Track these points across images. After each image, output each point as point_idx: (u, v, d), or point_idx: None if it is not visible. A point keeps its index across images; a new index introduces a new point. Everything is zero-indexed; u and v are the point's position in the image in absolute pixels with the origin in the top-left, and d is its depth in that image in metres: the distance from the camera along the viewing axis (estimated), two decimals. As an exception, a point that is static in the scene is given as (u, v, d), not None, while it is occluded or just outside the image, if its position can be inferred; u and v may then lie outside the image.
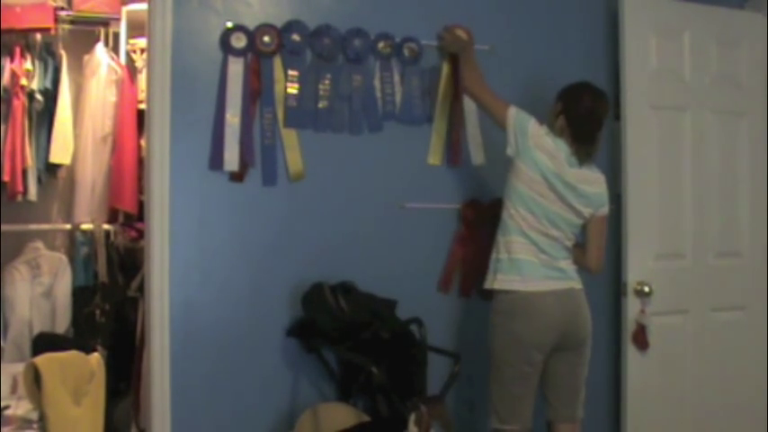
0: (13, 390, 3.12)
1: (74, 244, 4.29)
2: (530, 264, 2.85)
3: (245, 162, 3.01)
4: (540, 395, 2.97)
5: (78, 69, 4.35)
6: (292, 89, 3.07)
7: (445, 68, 3.27)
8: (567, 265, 2.93)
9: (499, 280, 2.88)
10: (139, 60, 4.28)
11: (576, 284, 2.93)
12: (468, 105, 3.28)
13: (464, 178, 3.34)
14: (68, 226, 4.30)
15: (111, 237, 4.21)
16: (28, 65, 4.09)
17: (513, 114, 2.91)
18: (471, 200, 3.30)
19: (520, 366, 2.82)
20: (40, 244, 4.21)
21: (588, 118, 2.92)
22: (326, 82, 3.12)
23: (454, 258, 3.28)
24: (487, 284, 2.92)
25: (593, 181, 2.95)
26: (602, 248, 3.01)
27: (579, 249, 3.00)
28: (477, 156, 3.34)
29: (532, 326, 2.81)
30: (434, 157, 3.28)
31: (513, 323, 2.82)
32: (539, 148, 2.86)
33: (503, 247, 2.90)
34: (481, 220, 3.27)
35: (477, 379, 3.16)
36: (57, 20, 4.17)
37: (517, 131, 2.88)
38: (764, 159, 3.72)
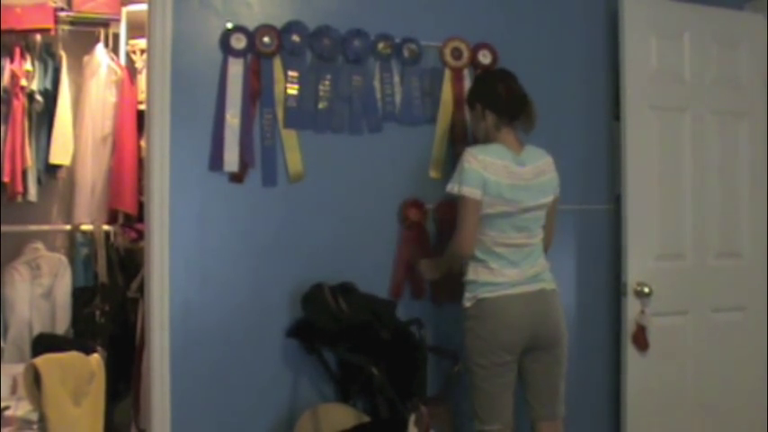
0: (13, 390, 3.12)
1: (74, 245, 4.29)
2: (489, 285, 2.83)
3: (244, 163, 3.01)
4: (521, 396, 2.97)
5: (78, 70, 4.35)
6: (292, 90, 3.07)
7: (447, 90, 3.28)
8: (540, 266, 2.92)
9: (468, 298, 2.87)
10: (139, 61, 4.28)
11: (548, 285, 2.91)
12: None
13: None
14: (68, 227, 4.30)
15: (111, 237, 4.20)
16: (28, 65, 4.08)
17: (461, 185, 2.82)
18: (413, 200, 3.24)
19: (491, 367, 2.81)
20: (39, 245, 4.21)
21: (510, 94, 2.91)
22: (326, 83, 3.12)
23: (401, 261, 3.23)
24: (465, 304, 2.88)
25: (545, 169, 2.94)
26: (554, 230, 3.05)
27: None
28: None
29: (499, 327, 2.81)
30: (435, 171, 3.28)
31: (482, 326, 2.82)
32: (487, 170, 2.80)
33: (471, 270, 2.88)
34: (425, 221, 3.25)
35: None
36: (57, 20, 4.17)
37: (471, 182, 2.80)
38: (765, 160, 3.71)
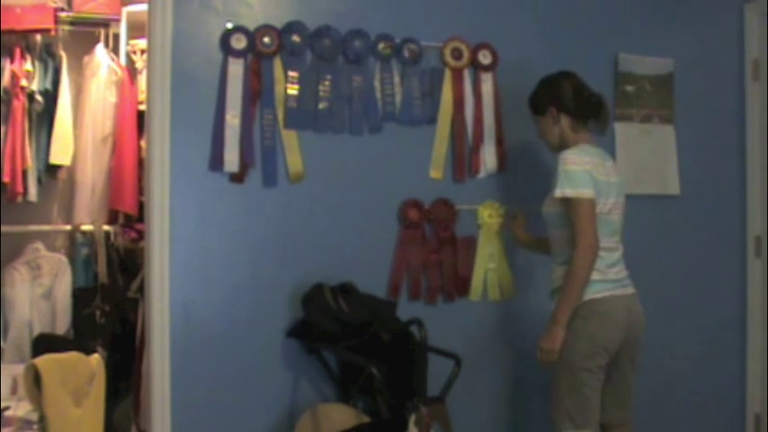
0: (13, 391, 3.12)
1: (74, 245, 4.29)
2: (596, 283, 2.79)
3: (245, 163, 3.01)
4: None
5: (78, 70, 4.35)
6: (292, 90, 3.07)
7: (447, 90, 3.28)
8: (625, 270, 2.92)
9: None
10: (140, 61, 4.27)
11: (635, 290, 2.91)
12: (469, 114, 3.31)
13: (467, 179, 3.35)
14: (68, 227, 4.30)
15: (112, 238, 4.20)
16: (28, 66, 4.08)
17: (576, 188, 2.76)
18: (413, 200, 3.24)
19: (596, 370, 2.76)
20: (40, 245, 4.21)
21: (585, 96, 2.92)
22: (326, 83, 3.12)
23: (400, 262, 3.23)
24: None
25: (617, 169, 2.96)
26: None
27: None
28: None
29: (607, 327, 2.78)
30: (436, 171, 3.28)
31: (590, 326, 2.77)
32: (592, 170, 2.79)
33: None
34: (423, 222, 3.25)
35: (478, 379, 3.18)
36: (57, 21, 4.16)
37: (584, 183, 2.76)
38: None
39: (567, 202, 2.78)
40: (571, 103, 2.90)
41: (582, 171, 2.77)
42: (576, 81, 2.95)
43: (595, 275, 2.78)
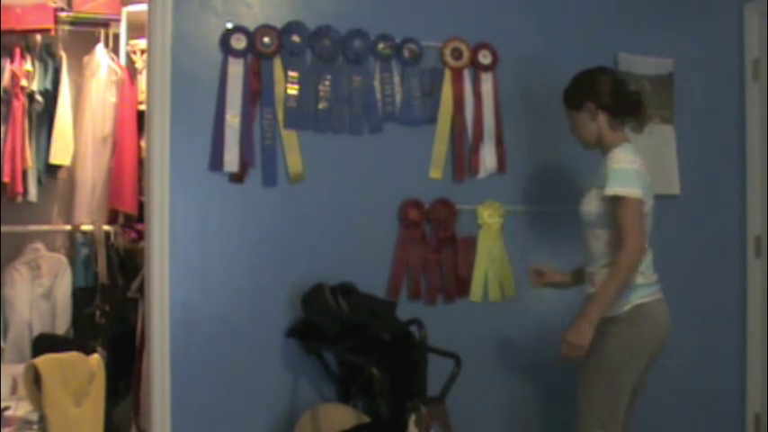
0: (14, 391, 3.12)
1: (74, 245, 4.28)
2: (642, 287, 2.75)
3: (245, 163, 3.01)
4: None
5: (78, 70, 4.35)
6: (292, 90, 3.08)
7: (447, 90, 3.28)
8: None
9: (621, 303, 2.72)
10: (139, 61, 4.27)
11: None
12: (469, 114, 3.30)
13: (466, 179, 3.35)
14: (68, 227, 4.30)
15: (112, 238, 4.20)
16: (28, 66, 4.08)
17: (629, 187, 2.69)
18: (413, 200, 3.24)
19: (635, 375, 2.74)
20: (40, 245, 4.21)
21: (622, 91, 2.85)
22: (326, 83, 3.12)
23: (400, 262, 3.23)
24: (616, 310, 2.72)
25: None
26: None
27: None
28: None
29: (655, 332, 2.75)
30: (436, 171, 3.28)
31: (638, 331, 2.72)
32: (641, 170, 2.75)
33: None
34: (423, 222, 3.25)
35: (478, 379, 3.18)
36: (57, 21, 4.16)
37: (637, 183, 2.70)
38: None
39: (614, 201, 2.69)
40: (610, 99, 2.81)
41: (632, 170, 2.71)
42: (615, 77, 2.89)
43: (640, 279, 2.73)
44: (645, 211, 2.73)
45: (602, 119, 2.83)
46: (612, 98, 2.81)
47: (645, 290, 2.74)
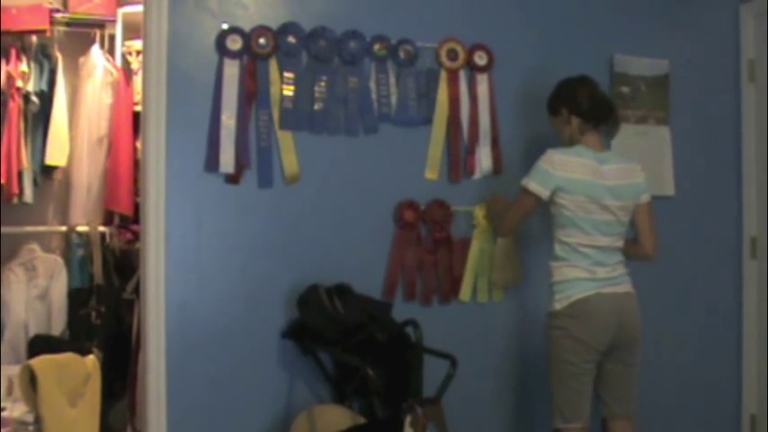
0: (9, 392, 3.11)
1: (69, 246, 4.27)
2: (583, 281, 2.91)
3: (240, 164, 3.01)
4: (595, 395, 3.01)
5: (74, 71, 4.34)
6: (288, 91, 3.08)
7: (443, 91, 3.30)
8: (621, 269, 3.00)
9: (558, 300, 2.94)
10: (135, 62, 4.27)
11: (630, 289, 3.00)
12: (464, 115, 3.31)
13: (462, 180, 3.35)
14: (64, 228, 4.29)
15: (107, 239, 4.19)
16: (23, 67, 4.07)
17: (529, 179, 2.96)
18: (409, 201, 3.25)
19: (583, 365, 2.89)
20: (35, 246, 4.19)
21: (596, 100, 3.02)
22: (322, 84, 3.12)
23: (396, 263, 3.24)
24: (555, 306, 2.95)
25: (629, 173, 3.01)
26: (654, 233, 3.09)
27: (629, 243, 3.07)
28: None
29: (594, 326, 2.88)
30: (431, 172, 3.29)
31: (577, 325, 2.89)
32: (567, 170, 2.90)
33: (557, 272, 2.97)
34: (419, 222, 3.26)
35: (474, 380, 3.18)
36: (52, 22, 4.15)
37: (539, 180, 2.93)
38: None
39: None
40: (582, 106, 3.00)
41: (542, 168, 2.92)
42: (592, 87, 3.05)
43: (583, 274, 2.92)
44: (572, 209, 2.90)
45: (575, 123, 3.01)
46: (584, 106, 3.00)
47: (585, 284, 2.91)
